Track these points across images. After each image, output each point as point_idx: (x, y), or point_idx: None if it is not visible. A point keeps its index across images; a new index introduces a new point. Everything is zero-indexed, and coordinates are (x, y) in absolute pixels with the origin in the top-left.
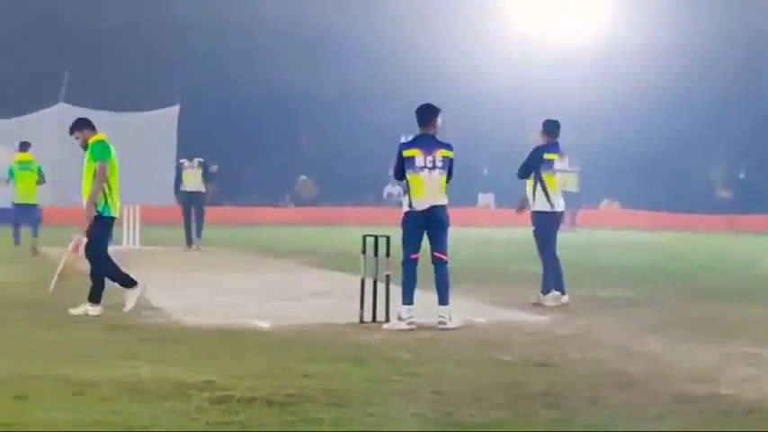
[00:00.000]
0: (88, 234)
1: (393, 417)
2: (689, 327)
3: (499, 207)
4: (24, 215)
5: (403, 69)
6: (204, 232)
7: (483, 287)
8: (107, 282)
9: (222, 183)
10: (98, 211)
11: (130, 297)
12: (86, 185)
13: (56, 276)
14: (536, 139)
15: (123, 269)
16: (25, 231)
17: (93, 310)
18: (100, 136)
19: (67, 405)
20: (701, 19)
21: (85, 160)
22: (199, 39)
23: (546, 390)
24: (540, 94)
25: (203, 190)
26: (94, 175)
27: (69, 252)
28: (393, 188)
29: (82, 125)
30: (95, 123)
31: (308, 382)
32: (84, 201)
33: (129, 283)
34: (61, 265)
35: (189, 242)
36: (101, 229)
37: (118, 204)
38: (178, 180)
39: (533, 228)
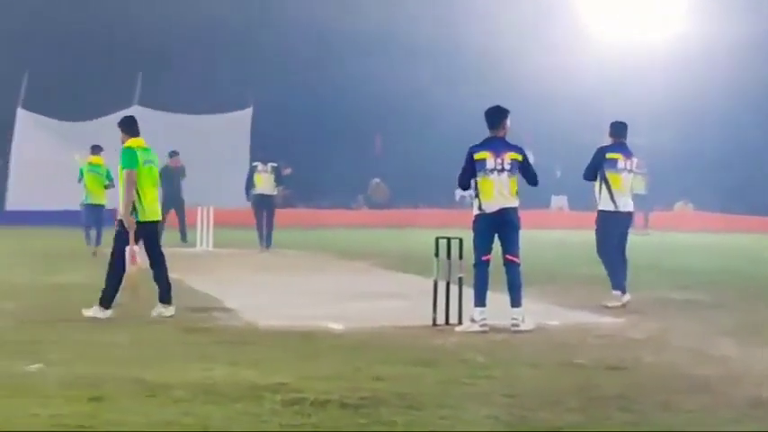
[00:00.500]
0: (136, 240)
1: (466, 419)
2: (763, 330)
3: (572, 209)
4: (93, 215)
5: (475, 70)
6: (274, 235)
7: (556, 289)
8: (171, 283)
9: (296, 185)
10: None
11: (95, 311)
12: (120, 190)
13: (127, 292)
14: (606, 140)
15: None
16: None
17: (166, 310)
18: (132, 141)
19: (141, 407)
20: None
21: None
22: (272, 41)
23: (619, 393)
24: (614, 96)
25: (275, 193)
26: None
27: (129, 265)
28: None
29: (120, 125)
30: (168, 126)
31: (380, 384)
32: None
33: (107, 302)
34: (126, 281)
35: (262, 243)
36: (127, 235)
37: (153, 209)
38: (249, 182)
39: (595, 226)
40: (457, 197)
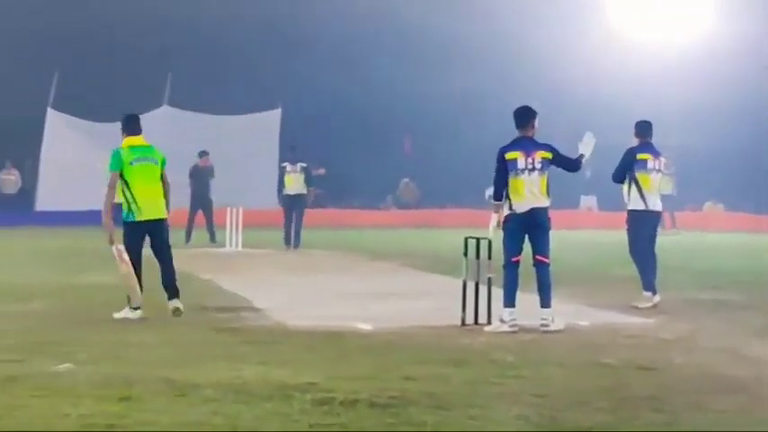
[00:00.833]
0: (110, 241)
1: (495, 420)
2: None
3: (602, 209)
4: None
5: (500, 70)
6: (303, 235)
7: (585, 290)
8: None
9: (326, 185)
10: (123, 218)
11: (125, 312)
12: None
13: (126, 291)
14: (633, 140)
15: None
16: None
17: (177, 303)
18: (126, 141)
19: (170, 406)
20: None
21: None
22: (302, 41)
23: (650, 394)
24: (642, 96)
25: (305, 193)
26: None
27: (119, 266)
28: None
29: (121, 123)
30: (197, 126)
31: (410, 384)
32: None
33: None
34: (122, 280)
35: (287, 242)
36: (127, 236)
37: (151, 207)
38: (281, 183)
39: (626, 226)
40: (486, 196)
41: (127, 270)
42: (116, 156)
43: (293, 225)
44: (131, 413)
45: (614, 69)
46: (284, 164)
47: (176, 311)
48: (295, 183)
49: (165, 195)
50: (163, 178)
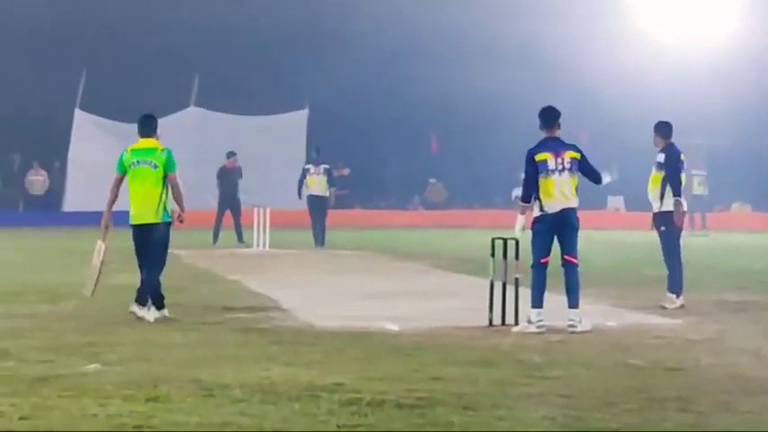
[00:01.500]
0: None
1: (523, 420)
2: None
3: (629, 210)
4: None
5: (531, 69)
6: (330, 235)
7: (614, 290)
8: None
9: (353, 186)
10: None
11: (144, 312)
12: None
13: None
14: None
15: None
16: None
17: (140, 311)
18: (138, 143)
19: (198, 407)
20: None
21: None
22: (327, 41)
23: (677, 395)
24: (671, 98)
25: (328, 194)
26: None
27: (95, 259)
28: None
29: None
30: (224, 127)
31: (437, 385)
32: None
33: (158, 301)
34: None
35: (316, 242)
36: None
37: (140, 212)
38: (301, 184)
39: (663, 228)
40: (513, 197)
41: (95, 264)
42: (120, 158)
43: (318, 225)
44: (159, 413)
45: (639, 70)
46: (308, 166)
47: (131, 314)
48: (318, 184)
49: (164, 198)
50: (165, 181)
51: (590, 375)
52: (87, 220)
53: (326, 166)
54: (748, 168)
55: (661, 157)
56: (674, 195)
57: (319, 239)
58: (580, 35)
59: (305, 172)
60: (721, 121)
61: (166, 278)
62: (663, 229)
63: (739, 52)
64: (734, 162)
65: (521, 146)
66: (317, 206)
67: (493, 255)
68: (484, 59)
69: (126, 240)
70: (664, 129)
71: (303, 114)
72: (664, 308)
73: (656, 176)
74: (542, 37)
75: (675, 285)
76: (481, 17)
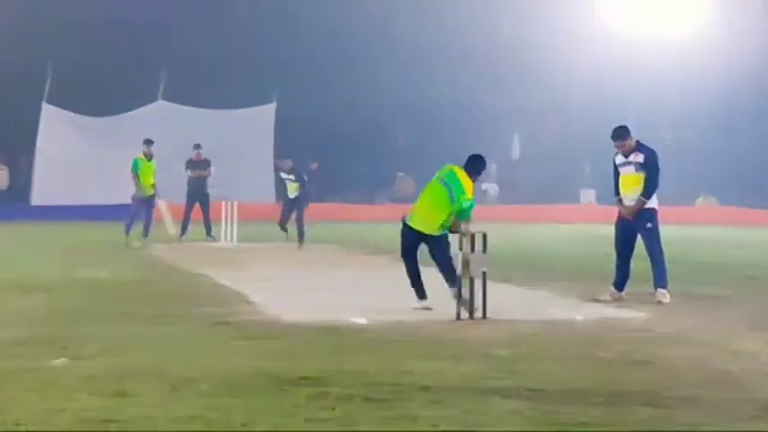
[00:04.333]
0: None
1: (491, 414)
2: None
3: (600, 204)
4: (146, 207)
5: (489, 68)
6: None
7: (582, 284)
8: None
9: (321, 181)
10: None
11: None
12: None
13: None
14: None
15: None
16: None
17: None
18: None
19: (165, 401)
20: None
21: None
22: (294, 37)
23: (644, 388)
24: (638, 91)
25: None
26: None
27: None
28: (489, 185)
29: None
30: (192, 121)
31: (405, 378)
32: None
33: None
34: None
35: (284, 229)
36: None
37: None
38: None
39: (649, 225)
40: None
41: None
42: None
43: (296, 223)
44: (126, 408)
45: (609, 65)
46: (281, 173)
47: None
48: (295, 189)
49: None
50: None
51: (558, 369)
52: (56, 214)
53: (292, 167)
54: (716, 163)
55: (639, 158)
56: (647, 197)
57: (298, 237)
58: (549, 34)
59: (278, 176)
60: (689, 115)
61: (134, 272)
62: (649, 225)
63: (705, 46)
64: (700, 155)
65: (489, 140)
66: (293, 206)
67: (461, 248)
68: (453, 62)
69: (94, 235)
70: (627, 131)
71: (271, 108)
72: (660, 303)
73: (636, 177)
74: (515, 36)
75: (665, 279)
76: (451, 24)
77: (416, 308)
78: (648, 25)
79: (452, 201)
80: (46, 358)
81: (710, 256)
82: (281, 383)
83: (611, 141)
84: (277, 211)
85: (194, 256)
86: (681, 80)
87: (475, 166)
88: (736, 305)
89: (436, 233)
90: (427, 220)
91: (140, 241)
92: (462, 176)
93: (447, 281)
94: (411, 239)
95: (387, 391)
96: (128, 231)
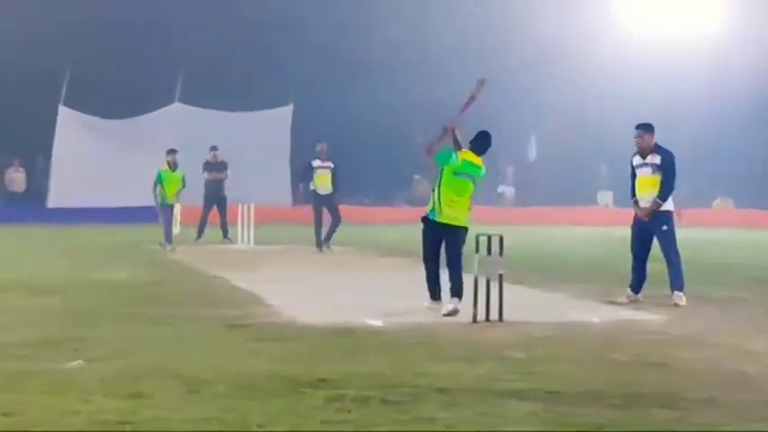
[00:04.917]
0: None
1: (507, 416)
2: None
3: (617, 206)
4: (167, 214)
5: (506, 70)
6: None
7: (598, 286)
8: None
9: (337, 182)
10: None
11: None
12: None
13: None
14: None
15: None
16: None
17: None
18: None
19: (181, 403)
20: None
21: None
22: (312, 39)
23: (660, 390)
24: (656, 94)
25: (334, 192)
26: None
27: None
28: (506, 187)
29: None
30: (209, 123)
31: (421, 380)
32: None
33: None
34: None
35: (319, 245)
36: None
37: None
38: (306, 177)
39: (665, 227)
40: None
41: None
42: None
43: (329, 224)
44: (142, 410)
45: (625, 67)
46: (314, 162)
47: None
48: (328, 182)
49: None
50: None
51: (574, 371)
52: (72, 216)
53: (332, 165)
54: (732, 165)
55: (657, 159)
56: (663, 199)
57: (323, 240)
58: (562, 29)
59: (310, 168)
60: (705, 117)
61: (149, 274)
62: (665, 228)
63: (721, 48)
64: (717, 157)
65: (506, 142)
66: (323, 205)
67: (477, 251)
68: (469, 64)
69: (109, 237)
70: (651, 128)
71: (288, 110)
72: (677, 305)
73: (653, 179)
74: (528, 33)
75: (681, 282)
76: (467, 24)
77: (427, 307)
78: (665, 26)
79: (474, 183)
80: (62, 360)
81: (726, 258)
82: (298, 385)
83: (627, 143)
84: (295, 214)
85: (211, 259)
86: (698, 81)
87: (482, 144)
88: (751, 307)
89: (467, 224)
90: (461, 211)
91: (167, 246)
92: (474, 159)
93: (452, 289)
94: (435, 239)
95: (403, 394)
96: (169, 240)
